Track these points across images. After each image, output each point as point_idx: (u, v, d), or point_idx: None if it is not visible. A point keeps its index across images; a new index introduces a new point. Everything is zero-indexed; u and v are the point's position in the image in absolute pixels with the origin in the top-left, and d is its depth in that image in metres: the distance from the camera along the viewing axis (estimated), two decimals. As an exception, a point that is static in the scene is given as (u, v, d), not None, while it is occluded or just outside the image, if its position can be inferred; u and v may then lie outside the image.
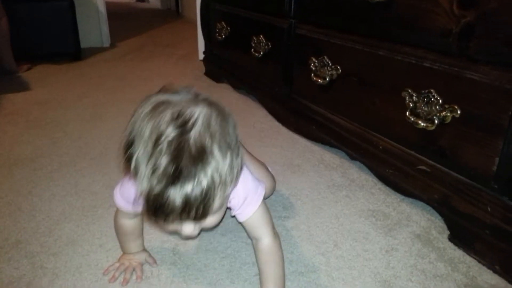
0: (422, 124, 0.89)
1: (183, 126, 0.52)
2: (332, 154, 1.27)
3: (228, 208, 0.69)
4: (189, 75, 2.15)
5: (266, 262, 0.71)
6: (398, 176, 1.02)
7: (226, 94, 1.82)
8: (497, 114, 0.76)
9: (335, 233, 0.91)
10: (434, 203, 0.94)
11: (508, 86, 0.74)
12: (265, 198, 0.83)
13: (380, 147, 1.06)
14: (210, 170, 0.51)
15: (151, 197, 0.51)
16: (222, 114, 0.56)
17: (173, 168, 0.50)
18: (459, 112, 0.83)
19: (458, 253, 0.86)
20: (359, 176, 1.15)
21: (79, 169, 1.16)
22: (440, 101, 0.86)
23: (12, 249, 0.84)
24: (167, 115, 0.53)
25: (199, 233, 0.64)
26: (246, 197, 0.68)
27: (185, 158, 0.51)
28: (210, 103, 0.57)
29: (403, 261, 0.83)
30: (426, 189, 0.95)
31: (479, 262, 0.83)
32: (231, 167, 0.54)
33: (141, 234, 0.81)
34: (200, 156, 0.51)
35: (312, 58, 1.25)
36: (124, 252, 0.81)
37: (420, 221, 0.96)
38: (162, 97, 0.55)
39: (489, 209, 0.81)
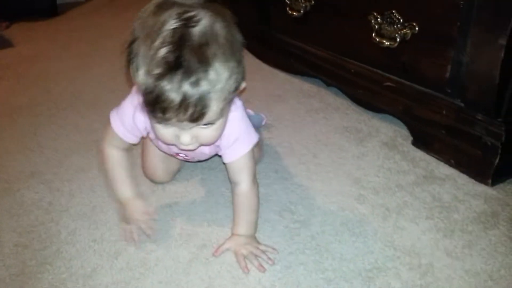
0: (387, 43, 0.99)
1: (188, 20, 0.51)
2: (311, 84, 1.37)
3: (217, 147, 0.72)
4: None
5: (240, 206, 0.73)
6: (368, 95, 1.14)
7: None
8: (448, 26, 0.87)
9: (314, 147, 1.04)
10: (399, 115, 1.06)
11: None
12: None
13: (352, 71, 1.17)
14: (211, 71, 0.51)
15: (150, 87, 0.50)
16: (230, 21, 0.55)
17: (174, 57, 0.49)
18: (417, 28, 0.93)
19: (419, 154, 0.99)
20: (335, 100, 1.26)
21: (77, 112, 1.25)
22: (401, 20, 0.96)
23: (29, 179, 0.94)
24: (172, 11, 0.51)
25: (196, 148, 0.64)
26: (237, 138, 0.69)
27: (187, 51, 0.49)
28: (218, 9, 0.56)
29: (372, 163, 0.97)
30: (391, 103, 1.06)
31: (437, 159, 0.97)
32: (231, 74, 0.53)
33: (131, 175, 0.78)
34: (203, 54, 0.50)
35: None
36: (121, 199, 0.78)
37: (387, 132, 1.08)
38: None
39: (444, 112, 0.93)
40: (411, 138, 1.04)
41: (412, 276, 0.68)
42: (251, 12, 1.54)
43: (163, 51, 0.50)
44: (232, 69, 0.54)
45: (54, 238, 0.77)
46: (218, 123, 0.61)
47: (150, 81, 0.50)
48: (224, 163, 0.74)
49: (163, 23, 0.51)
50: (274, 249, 0.72)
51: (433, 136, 0.97)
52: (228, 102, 0.59)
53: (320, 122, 1.15)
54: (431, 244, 0.74)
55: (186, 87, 0.50)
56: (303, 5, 1.26)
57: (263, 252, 0.71)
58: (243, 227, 0.73)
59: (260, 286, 0.66)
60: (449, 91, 0.91)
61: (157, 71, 0.50)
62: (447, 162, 0.95)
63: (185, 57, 0.49)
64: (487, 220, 0.78)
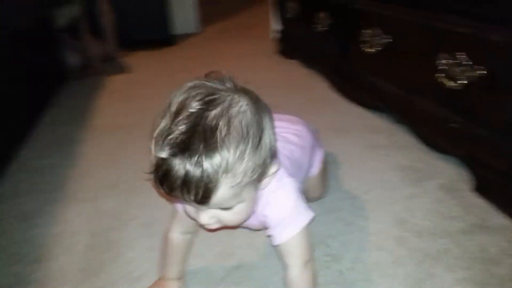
0: (453, 84, 0.97)
1: (209, 103, 0.53)
2: (383, 120, 1.37)
3: (266, 228, 0.69)
4: (263, 53, 2.34)
5: None
6: (433, 135, 1.11)
7: (293, 70, 1.98)
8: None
9: (366, 183, 1.05)
10: (462, 158, 1.02)
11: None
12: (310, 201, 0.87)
13: (419, 109, 1.15)
14: (216, 154, 0.51)
15: (158, 164, 0.53)
16: (255, 107, 0.55)
17: (183, 139, 0.51)
18: (485, 72, 0.90)
19: (478, 201, 0.94)
20: (402, 138, 1.25)
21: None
22: (470, 62, 0.93)
23: (108, 190, 1.11)
24: (199, 93, 0.54)
25: (217, 229, 0.65)
26: (284, 218, 0.65)
27: (198, 134, 0.51)
28: (247, 94, 0.56)
29: (422, 205, 0.95)
30: (455, 145, 1.03)
31: (496, 208, 0.91)
32: (243, 160, 0.52)
33: (185, 259, 0.78)
34: (211, 138, 0.51)
35: (364, 30, 1.35)
36: (163, 275, 0.78)
37: (449, 175, 1.04)
38: (203, 81, 0.56)
39: (502, 159, 0.88)
40: (472, 184, 0.99)
41: (432, 326, 0.66)
42: (335, 46, 1.59)
43: (176, 132, 0.52)
44: (246, 155, 0.53)
45: (117, 243, 0.91)
46: (238, 208, 0.58)
47: (158, 156, 0.52)
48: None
49: (186, 105, 0.53)
50: None
51: (493, 183, 0.92)
52: (247, 188, 0.57)
53: (379, 159, 1.15)
54: (463, 296, 0.71)
55: (188, 167, 0.51)
56: (380, 42, 1.29)
57: None
58: None
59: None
60: (510, 138, 0.86)
61: (166, 150, 0.52)
62: (505, 212, 0.89)
63: (193, 140, 0.51)
64: (535, 280, 0.72)
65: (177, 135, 0.51)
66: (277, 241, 0.66)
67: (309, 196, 0.93)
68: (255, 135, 0.54)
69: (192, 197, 0.53)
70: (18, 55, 1.54)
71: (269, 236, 0.67)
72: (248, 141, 0.53)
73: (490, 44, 0.88)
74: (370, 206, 0.96)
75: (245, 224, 0.72)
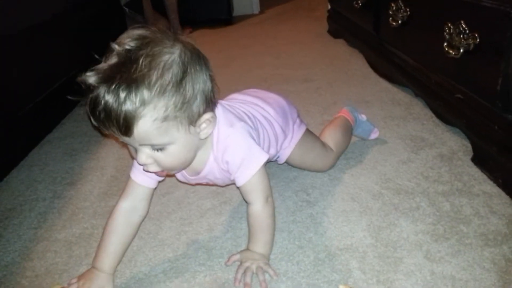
0: (452, 53, 0.98)
1: (142, 45, 0.58)
2: (405, 93, 1.38)
3: (227, 172, 0.74)
4: (314, 32, 2.39)
5: (253, 225, 0.74)
6: (443, 107, 1.12)
7: (337, 48, 2.01)
8: (500, 37, 0.83)
9: (366, 148, 1.09)
10: (463, 128, 1.02)
11: (508, 9, 0.80)
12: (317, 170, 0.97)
13: (433, 81, 1.16)
14: (133, 86, 0.55)
15: (87, 92, 0.57)
16: (187, 56, 0.60)
17: (107, 69, 0.57)
18: (478, 39, 0.90)
19: (470, 170, 0.95)
20: (419, 111, 1.26)
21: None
22: (467, 30, 0.94)
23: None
24: (140, 36, 0.59)
25: (160, 172, 0.69)
26: (243, 160, 0.70)
27: (121, 67, 0.56)
28: (186, 47, 0.61)
29: (414, 169, 0.98)
30: (458, 116, 1.03)
31: (488, 177, 0.91)
32: (162, 94, 0.57)
33: (126, 248, 0.75)
34: (130, 71, 0.56)
35: (391, 3, 1.37)
36: (94, 265, 0.72)
37: (453, 145, 1.05)
38: (152, 29, 0.61)
39: (496, 127, 0.88)
40: (471, 155, 0.99)
41: (375, 263, 0.72)
42: (368, 22, 1.61)
43: (105, 64, 0.58)
44: (165, 91, 0.58)
45: (144, 237, 0.85)
46: (171, 150, 0.63)
47: (87, 78, 0.57)
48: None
49: (123, 43, 0.58)
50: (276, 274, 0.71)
51: (487, 153, 0.92)
52: (174, 127, 0.61)
53: (391, 128, 1.18)
54: (416, 244, 0.75)
55: (107, 98, 0.56)
56: (401, 15, 1.30)
57: (270, 267, 0.71)
58: (256, 245, 0.73)
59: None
60: (500, 105, 0.86)
61: (93, 77, 0.57)
62: (495, 181, 0.89)
63: (116, 71, 0.56)
64: (494, 239, 0.74)
65: (105, 66, 0.57)
66: (240, 181, 0.72)
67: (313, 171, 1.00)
68: (177, 75, 0.58)
69: (115, 128, 0.58)
70: (85, 28, 1.78)
71: (233, 183, 0.74)
72: (168, 79, 0.57)
73: (482, 10, 0.88)
74: (362, 166, 1.01)
75: (214, 182, 0.81)
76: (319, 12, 2.95)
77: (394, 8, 1.34)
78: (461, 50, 0.95)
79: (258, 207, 0.73)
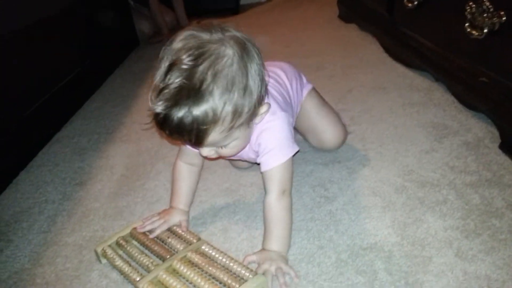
0: (476, 33, 0.92)
1: (197, 59, 0.58)
2: (424, 78, 1.31)
3: (256, 152, 0.75)
4: (324, 17, 2.31)
5: (267, 218, 0.72)
6: (466, 92, 1.05)
7: (349, 33, 1.94)
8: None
9: (386, 137, 1.04)
10: (490, 114, 0.96)
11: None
12: (328, 148, 0.96)
13: (455, 64, 1.09)
14: (204, 104, 0.58)
15: (157, 112, 0.60)
16: (242, 56, 0.61)
17: (174, 93, 0.58)
18: (504, 18, 0.84)
19: (501, 158, 0.89)
20: (441, 96, 1.19)
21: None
22: (491, 9, 0.87)
23: (153, 133, 1.25)
24: (189, 47, 0.60)
25: (217, 158, 0.74)
26: (273, 148, 0.71)
27: (187, 89, 0.58)
28: (237, 43, 0.61)
29: (438, 159, 0.92)
30: (484, 100, 0.97)
31: (519, 166, 0.85)
32: (230, 107, 0.59)
33: (191, 191, 0.83)
34: (198, 91, 0.58)
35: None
36: (171, 205, 0.82)
37: (478, 132, 0.99)
38: (193, 31, 0.62)
39: (527, 112, 0.82)
40: (499, 142, 0.93)
41: (403, 263, 0.67)
42: (381, 4, 1.54)
43: (169, 87, 0.59)
44: (232, 103, 0.60)
45: (145, 175, 1.03)
46: (233, 144, 0.67)
47: (156, 107, 0.60)
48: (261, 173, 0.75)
49: (177, 61, 0.59)
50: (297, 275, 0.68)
51: (518, 139, 0.86)
52: (238, 129, 0.64)
53: (411, 116, 1.12)
54: (445, 241, 0.70)
55: (180, 116, 0.58)
56: (418, -4, 1.23)
57: (291, 268, 0.68)
58: (271, 242, 0.70)
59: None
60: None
61: (160, 105, 0.59)
62: (527, 169, 0.83)
63: (183, 94, 0.58)
64: (531, 234, 0.69)
65: (169, 90, 0.58)
66: (264, 167, 0.72)
67: (323, 145, 0.97)
68: (241, 83, 0.60)
69: (188, 141, 0.63)
70: (91, 22, 1.74)
71: (258, 164, 0.74)
72: (234, 91, 0.59)
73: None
74: (382, 158, 0.96)
75: (243, 158, 0.81)
76: (329, -3, 2.87)
77: (409, -12, 1.27)
78: (485, 30, 0.89)
79: (273, 197, 0.72)
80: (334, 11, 2.26)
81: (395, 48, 1.50)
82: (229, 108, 0.60)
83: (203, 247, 0.72)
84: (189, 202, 0.83)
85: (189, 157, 0.82)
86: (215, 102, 0.58)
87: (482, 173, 0.85)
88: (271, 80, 0.81)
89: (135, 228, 0.79)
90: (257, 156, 0.74)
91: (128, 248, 0.75)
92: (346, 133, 1.00)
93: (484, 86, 0.96)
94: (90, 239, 0.84)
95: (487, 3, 0.88)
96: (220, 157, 0.74)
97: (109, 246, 0.76)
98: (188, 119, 0.58)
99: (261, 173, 0.74)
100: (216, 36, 0.61)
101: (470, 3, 0.94)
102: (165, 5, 2.47)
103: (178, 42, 0.61)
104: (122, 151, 1.16)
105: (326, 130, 0.96)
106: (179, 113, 0.58)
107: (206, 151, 0.68)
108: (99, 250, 0.76)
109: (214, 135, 0.62)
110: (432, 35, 1.20)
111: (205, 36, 0.61)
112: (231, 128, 0.62)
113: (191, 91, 0.58)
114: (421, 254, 0.68)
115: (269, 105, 0.70)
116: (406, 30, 1.38)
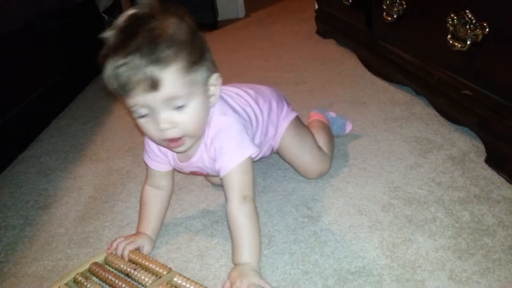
0: (458, 45, 0.90)
1: (142, 19, 0.60)
2: (405, 93, 1.30)
3: (214, 161, 0.71)
4: (302, 33, 2.31)
5: (231, 230, 0.68)
6: (448, 105, 1.03)
7: (327, 48, 1.93)
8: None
9: (369, 153, 1.00)
10: (474, 128, 0.94)
11: (524, -7, 0.72)
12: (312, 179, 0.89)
13: (435, 78, 1.07)
14: (162, 49, 0.58)
15: (113, 69, 0.58)
16: (188, 26, 0.62)
17: (125, 37, 0.59)
18: (487, 30, 0.82)
19: (487, 173, 0.86)
20: (421, 110, 1.17)
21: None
22: (473, 20, 0.86)
23: (124, 153, 1.18)
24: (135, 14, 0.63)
25: (174, 143, 0.66)
26: (228, 149, 0.68)
27: (144, 29, 0.58)
28: (179, 16, 0.62)
29: (424, 175, 0.89)
30: (468, 114, 0.95)
31: (506, 180, 0.83)
32: (183, 55, 0.60)
33: (157, 216, 0.79)
34: (157, 36, 0.58)
35: (384, -2, 1.29)
36: (138, 231, 0.78)
37: (463, 146, 0.97)
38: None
39: (511, 124, 0.80)
40: (484, 156, 0.90)
41: (394, 288, 0.62)
42: (361, 19, 1.53)
43: (117, 37, 0.60)
44: (187, 54, 0.60)
45: (115, 196, 0.96)
46: (191, 108, 0.63)
47: (110, 67, 0.59)
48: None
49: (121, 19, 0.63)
50: None
51: (505, 154, 0.84)
52: (195, 84, 0.63)
53: (393, 130, 1.09)
54: (437, 262, 0.66)
55: (133, 56, 0.58)
56: (396, 9, 1.22)
57: (264, 281, 0.63)
58: (239, 254, 0.65)
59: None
60: (519, 101, 0.78)
61: (113, 52, 0.59)
62: (515, 183, 0.80)
63: (139, 37, 0.58)
64: (526, 253, 0.65)
65: (119, 37, 0.60)
66: (222, 171, 0.68)
67: (307, 176, 0.92)
68: (191, 27, 0.63)
69: (143, 85, 0.58)
70: (62, 36, 1.67)
71: (218, 170, 0.70)
72: (185, 31, 0.61)
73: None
74: (366, 174, 0.92)
75: (204, 170, 0.76)
76: (306, 13, 2.87)
77: (388, 1, 1.26)
78: (468, 42, 0.87)
79: (234, 204, 0.67)
80: (312, 26, 2.25)
81: (374, 63, 1.48)
82: (183, 46, 0.60)
83: (175, 279, 0.64)
84: (156, 228, 0.79)
85: (156, 179, 0.79)
86: (171, 38, 0.59)
87: (470, 188, 0.82)
88: (233, 94, 0.80)
89: (95, 263, 0.71)
90: (215, 163, 0.70)
91: (88, 286, 0.66)
92: (329, 163, 0.93)
93: (467, 99, 0.94)
94: (52, 269, 0.76)
95: (469, 15, 0.86)
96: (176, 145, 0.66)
97: (66, 284, 0.68)
98: (144, 55, 0.58)
99: (221, 180, 0.70)
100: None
101: (452, 15, 0.92)
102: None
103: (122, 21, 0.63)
104: (91, 171, 1.09)
105: (312, 162, 0.89)
106: (132, 51, 0.57)
107: (164, 119, 0.62)
108: (53, 291, 0.67)
109: (170, 77, 0.59)
110: (413, 49, 1.18)
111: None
112: (188, 69, 0.61)
113: (141, 29, 0.59)
114: (413, 278, 0.64)
115: (220, 76, 0.69)
116: (386, 44, 1.36)
